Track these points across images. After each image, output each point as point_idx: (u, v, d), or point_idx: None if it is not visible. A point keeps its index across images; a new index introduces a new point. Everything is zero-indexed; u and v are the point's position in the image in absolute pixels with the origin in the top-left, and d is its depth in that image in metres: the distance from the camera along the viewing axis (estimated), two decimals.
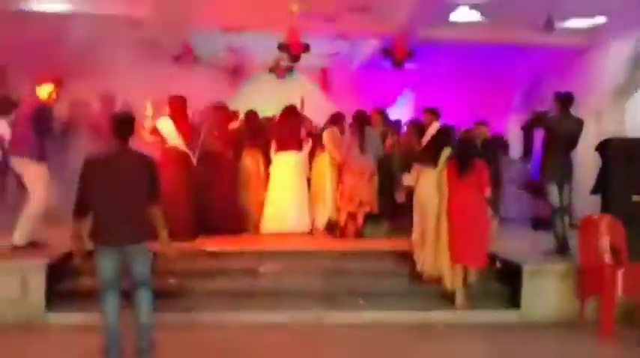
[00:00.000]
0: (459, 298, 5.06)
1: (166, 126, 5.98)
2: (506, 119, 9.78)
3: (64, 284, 4.84)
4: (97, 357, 3.78)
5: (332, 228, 6.53)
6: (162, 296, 4.80)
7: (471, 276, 5.06)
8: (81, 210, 3.76)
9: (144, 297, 3.84)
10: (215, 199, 6.33)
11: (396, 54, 7.99)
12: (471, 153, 5.14)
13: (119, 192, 3.75)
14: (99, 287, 3.80)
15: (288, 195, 6.62)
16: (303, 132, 6.84)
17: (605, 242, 5.00)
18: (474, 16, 7.42)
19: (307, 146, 6.82)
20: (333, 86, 10.37)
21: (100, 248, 3.73)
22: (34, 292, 4.62)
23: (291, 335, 4.56)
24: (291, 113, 6.84)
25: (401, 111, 9.82)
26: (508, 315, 5.07)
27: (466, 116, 7.91)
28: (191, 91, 6.44)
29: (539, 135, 6.35)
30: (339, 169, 6.51)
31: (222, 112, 6.76)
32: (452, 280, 5.06)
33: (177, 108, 6.10)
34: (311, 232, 6.64)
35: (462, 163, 5.03)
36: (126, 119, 3.96)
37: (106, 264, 3.73)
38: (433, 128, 5.92)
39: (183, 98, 6.16)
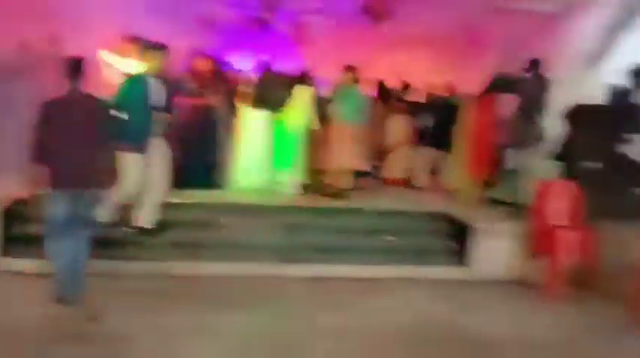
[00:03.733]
0: None
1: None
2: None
3: (18, 230, 4.83)
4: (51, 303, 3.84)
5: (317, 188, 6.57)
6: (121, 246, 4.92)
7: None
8: (38, 153, 3.74)
9: (81, 238, 3.83)
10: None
11: (374, 11, 7.85)
12: None
13: (74, 135, 3.78)
14: (47, 231, 3.82)
15: (257, 152, 6.63)
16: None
17: (557, 205, 5.15)
18: None
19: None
20: (308, 42, 10.16)
21: (54, 192, 3.75)
22: None
23: (243, 285, 4.67)
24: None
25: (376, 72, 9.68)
26: (457, 272, 5.24)
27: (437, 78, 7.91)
28: None
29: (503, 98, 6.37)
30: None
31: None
32: None
33: None
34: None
35: None
36: (77, 61, 3.91)
37: (58, 209, 3.75)
38: None
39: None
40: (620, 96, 5.77)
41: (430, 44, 9.40)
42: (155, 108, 4.79)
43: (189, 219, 5.39)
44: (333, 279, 4.95)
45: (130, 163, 4.59)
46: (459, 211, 5.80)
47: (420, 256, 5.34)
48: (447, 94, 7.54)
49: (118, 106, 4.41)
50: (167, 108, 5.00)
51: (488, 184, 6.42)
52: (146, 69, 4.83)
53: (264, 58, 7.01)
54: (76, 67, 3.88)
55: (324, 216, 5.77)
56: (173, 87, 5.30)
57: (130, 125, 4.49)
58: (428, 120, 7.58)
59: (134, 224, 5.00)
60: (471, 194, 6.53)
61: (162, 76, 4.90)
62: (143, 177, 4.75)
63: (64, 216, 3.76)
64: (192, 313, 4.00)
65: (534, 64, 5.85)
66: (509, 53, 9.15)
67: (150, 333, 3.66)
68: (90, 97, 3.93)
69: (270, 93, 6.67)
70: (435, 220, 5.80)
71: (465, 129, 6.57)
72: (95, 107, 3.94)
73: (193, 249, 5.09)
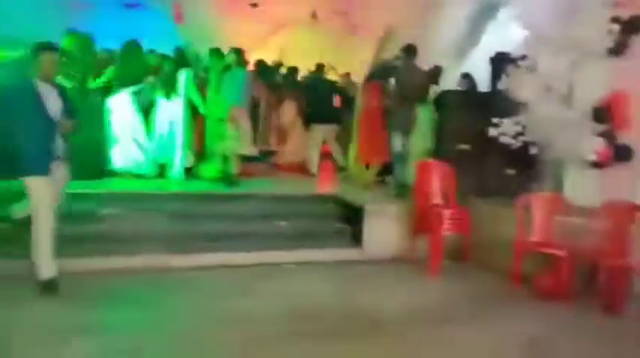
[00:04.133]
0: None
1: None
2: None
3: None
4: None
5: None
6: None
7: None
8: None
9: None
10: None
11: None
12: None
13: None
14: None
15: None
16: None
17: (434, 185, 5.53)
18: None
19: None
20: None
21: None
22: None
23: (135, 279, 4.41)
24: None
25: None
26: (351, 253, 5.43)
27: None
28: None
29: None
30: None
31: None
32: None
33: None
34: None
35: None
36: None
37: None
38: None
39: None
40: (473, 83, 6.36)
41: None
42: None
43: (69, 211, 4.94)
44: (229, 267, 4.87)
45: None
46: (349, 194, 6.00)
47: (315, 239, 5.45)
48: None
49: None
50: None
51: (378, 167, 6.73)
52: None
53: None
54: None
55: (214, 202, 5.64)
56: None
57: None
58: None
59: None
60: (361, 176, 6.82)
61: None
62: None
63: None
64: (78, 311, 3.70)
65: (408, 50, 6.11)
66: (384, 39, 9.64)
67: (32, 333, 3.34)
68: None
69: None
70: (326, 203, 5.94)
71: (357, 113, 6.81)
72: None
73: (74, 244, 4.67)
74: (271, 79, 8.29)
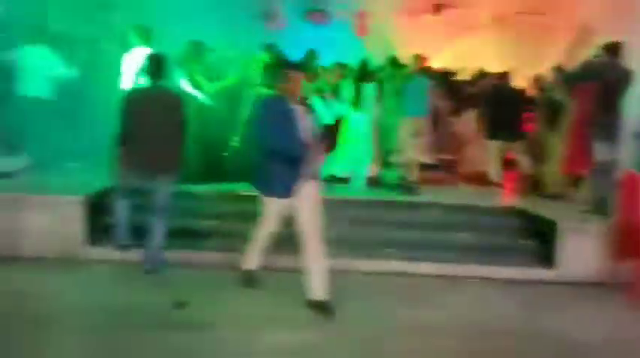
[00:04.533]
0: None
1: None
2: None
3: (101, 220, 4.97)
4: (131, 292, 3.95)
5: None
6: (196, 236, 5.00)
7: None
8: (122, 139, 4.25)
9: (157, 225, 4.34)
10: None
11: None
12: None
13: (152, 126, 4.22)
14: (116, 191, 4.55)
15: None
16: None
17: None
18: None
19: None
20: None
21: (131, 169, 4.30)
22: (72, 226, 4.77)
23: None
24: None
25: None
26: (539, 273, 5.01)
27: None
28: None
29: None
30: None
31: None
32: None
33: None
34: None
35: None
36: (157, 60, 4.29)
37: (129, 180, 4.37)
38: None
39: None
40: None
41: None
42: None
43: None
44: (408, 275, 4.85)
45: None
46: (536, 207, 5.55)
47: (497, 254, 5.15)
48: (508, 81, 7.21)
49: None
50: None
51: (577, 179, 6.10)
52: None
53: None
54: (156, 64, 4.24)
55: (394, 209, 5.66)
56: None
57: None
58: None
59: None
60: (559, 189, 6.22)
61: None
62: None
63: (130, 185, 4.42)
64: (276, 304, 4.01)
65: (612, 49, 5.41)
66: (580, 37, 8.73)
67: (231, 323, 3.70)
68: (167, 92, 4.32)
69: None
70: (510, 216, 5.59)
71: (564, 121, 6.20)
72: (171, 101, 4.28)
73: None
74: (451, 86, 8.09)
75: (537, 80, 7.07)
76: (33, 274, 4.38)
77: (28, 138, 5.72)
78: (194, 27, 6.73)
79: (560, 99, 6.28)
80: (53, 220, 4.73)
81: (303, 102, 4.00)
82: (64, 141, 5.66)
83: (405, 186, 6.25)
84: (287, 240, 4.16)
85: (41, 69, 6.05)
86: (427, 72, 7.04)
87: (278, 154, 3.76)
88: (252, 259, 4.27)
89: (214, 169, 5.92)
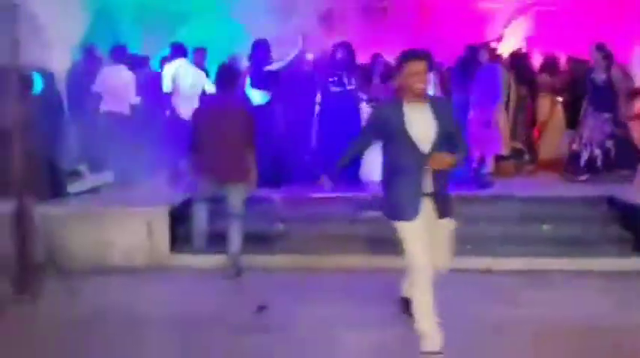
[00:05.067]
0: None
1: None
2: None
3: (183, 229, 5.18)
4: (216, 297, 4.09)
5: None
6: (269, 240, 5.11)
7: None
8: (193, 148, 4.48)
9: (234, 228, 4.43)
10: None
11: None
12: None
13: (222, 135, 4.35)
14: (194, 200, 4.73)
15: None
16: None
17: None
18: None
19: None
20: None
21: (204, 177, 4.51)
22: (158, 236, 5.01)
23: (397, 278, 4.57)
24: None
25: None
26: (634, 263, 4.68)
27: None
28: None
29: None
30: None
31: None
32: None
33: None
34: None
35: None
36: (229, 70, 4.34)
37: (205, 188, 4.57)
38: None
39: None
40: None
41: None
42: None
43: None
44: (489, 272, 4.69)
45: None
46: (630, 194, 5.19)
47: (586, 246, 4.86)
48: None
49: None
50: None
51: None
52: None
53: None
54: (228, 75, 4.26)
55: (470, 203, 5.48)
56: None
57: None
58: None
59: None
60: None
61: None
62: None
63: (208, 195, 4.60)
64: (343, 306, 4.01)
65: None
66: None
67: (310, 324, 3.72)
68: (237, 103, 4.53)
69: None
70: (599, 205, 5.25)
71: None
72: (240, 111, 4.40)
73: (342, 242, 5.10)
74: (523, 71, 7.70)
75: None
76: (121, 283, 4.62)
77: (112, 154, 6.07)
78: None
79: None
80: (140, 231, 4.99)
81: (428, 100, 3.10)
82: (147, 155, 5.95)
83: (478, 179, 6.04)
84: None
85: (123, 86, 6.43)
86: (497, 58, 6.77)
87: (392, 170, 3.13)
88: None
89: (286, 172, 6.03)
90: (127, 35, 7.98)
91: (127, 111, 6.52)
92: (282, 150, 6.14)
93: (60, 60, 6.76)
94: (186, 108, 5.92)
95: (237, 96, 4.58)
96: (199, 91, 6.31)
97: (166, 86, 6.55)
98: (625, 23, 8.33)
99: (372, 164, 6.33)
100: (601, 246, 4.88)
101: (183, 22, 8.54)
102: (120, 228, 5.01)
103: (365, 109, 6.22)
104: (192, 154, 4.50)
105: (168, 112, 6.58)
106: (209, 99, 4.58)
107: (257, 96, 6.04)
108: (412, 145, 3.00)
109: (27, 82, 4.92)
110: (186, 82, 6.39)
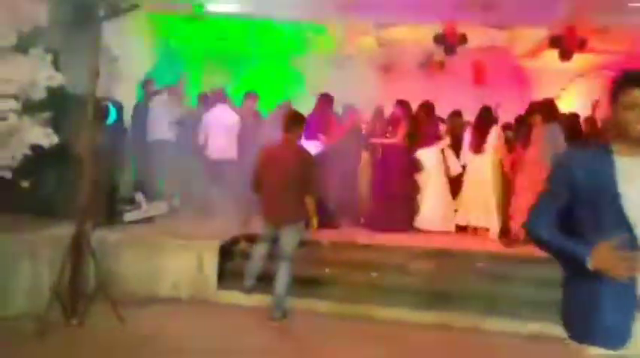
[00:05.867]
0: None
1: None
2: None
3: (232, 266, 5.20)
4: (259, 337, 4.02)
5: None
6: (316, 284, 5.05)
7: None
8: (254, 187, 4.57)
9: (282, 273, 4.39)
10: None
11: (566, 44, 7.29)
12: None
13: (281, 178, 4.39)
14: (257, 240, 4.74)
15: (435, 193, 6.49)
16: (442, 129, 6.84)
17: None
18: None
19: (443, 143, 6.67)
20: (488, 80, 9.78)
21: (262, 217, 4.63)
22: (207, 270, 5.04)
23: (445, 336, 4.43)
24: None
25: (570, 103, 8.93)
26: None
27: None
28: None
29: None
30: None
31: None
32: None
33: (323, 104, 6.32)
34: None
35: None
36: (296, 116, 4.55)
37: (265, 227, 4.64)
38: None
39: (329, 95, 6.34)
40: None
41: None
42: None
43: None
44: (543, 338, 4.46)
45: None
46: None
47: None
48: None
49: None
50: None
51: None
52: None
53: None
54: (294, 121, 4.46)
55: (517, 263, 5.30)
56: None
57: None
58: None
59: None
60: None
61: None
62: None
63: (267, 236, 4.62)
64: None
65: None
66: None
67: None
68: (299, 148, 4.55)
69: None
70: None
71: None
72: (301, 158, 4.47)
73: (386, 293, 4.99)
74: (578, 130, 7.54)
75: None
76: (168, 313, 4.63)
77: (170, 185, 6.21)
78: None
79: None
80: (189, 264, 5.04)
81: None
82: (203, 188, 6.07)
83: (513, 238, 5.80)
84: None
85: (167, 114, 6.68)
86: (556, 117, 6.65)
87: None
88: None
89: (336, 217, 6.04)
90: (190, 76, 8.32)
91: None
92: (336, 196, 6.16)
93: (126, 92, 7.08)
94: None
95: (299, 141, 4.65)
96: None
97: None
98: None
99: (431, 212, 6.38)
100: None
101: (243, 66, 8.88)
102: (171, 259, 5.06)
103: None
104: (254, 193, 4.56)
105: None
106: (273, 143, 4.66)
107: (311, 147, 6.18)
108: (623, 221, 1.80)
109: (103, 112, 5.16)
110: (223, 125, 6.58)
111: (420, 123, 6.62)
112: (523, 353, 4.25)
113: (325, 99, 6.42)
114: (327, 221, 5.90)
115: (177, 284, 5.00)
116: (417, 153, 6.56)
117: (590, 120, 7.27)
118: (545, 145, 5.54)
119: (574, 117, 7.47)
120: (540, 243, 1.96)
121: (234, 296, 4.92)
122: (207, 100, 7.10)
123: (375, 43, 9.02)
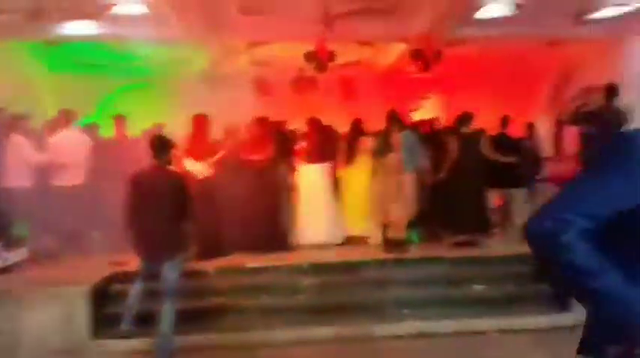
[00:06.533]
0: None
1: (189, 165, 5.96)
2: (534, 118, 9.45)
3: (107, 309, 4.79)
4: None
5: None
6: (203, 315, 4.82)
7: None
8: (128, 222, 4.15)
9: (165, 310, 4.08)
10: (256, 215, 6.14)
11: (425, 56, 7.79)
12: None
13: (156, 207, 4.08)
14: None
15: (319, 207, 6.56)
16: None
17: None
18: (503, 10, 7.12)
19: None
20: (356, 94, 10.17)
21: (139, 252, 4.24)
22: (77, 318, 4.58)
23: (340, 348, 4.44)
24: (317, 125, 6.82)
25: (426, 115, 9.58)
26: (561, 318, 4.82)
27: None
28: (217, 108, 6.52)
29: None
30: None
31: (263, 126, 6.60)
32: None
33: (199, 125, 6.10)
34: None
35: None
36: (162, 141, 4.18)
37: (142, 266, 4.31)
38: None
39: (204, 116, 6.16)
40: None
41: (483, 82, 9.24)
42: None
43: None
44: (431, 335, 4.67)
45: None
46: None
47: (519, 304, 5.00)
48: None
49: None
50: None
51: None
52: None
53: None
54: (161, 146, 4.19)
55: (400, 267, 5.53)
56: None
57: None
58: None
59: None
60: None
61: None
62: None
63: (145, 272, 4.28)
64: None
65: (609, 91, 5.50)
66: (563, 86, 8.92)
67: None
68: (169, 173, 4.25)
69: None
70: (517, 263, 5.43)
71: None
72: (172, 183, 4.17)
73: (277, 315, 4.92)
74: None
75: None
76: None
77: (29, 229, 5.58)
78: None
79: None
80: (55, 314, 4.55)
81: None
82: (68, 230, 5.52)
83: (393, 243, 6.10)
84: None
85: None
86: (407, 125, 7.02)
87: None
88: None
89: (220, 244, 5.83)
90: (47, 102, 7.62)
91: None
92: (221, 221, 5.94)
93: None
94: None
95: (169, 166, 4.34)
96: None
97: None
98: None
99: (312, 226, 6.41)
100: (533, 303, 5.03)
101: (109, 89, 8.39)
102: (34, 310, 4.53)
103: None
104: (128, 226, 4.18)
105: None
106: (141, 170, 4.29)
107: (196, 169, 5.94)
108: None
109: None
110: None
111: (289, 141, 6.69)
112: (410, 352, 4.38)
113: (201, 120, 6.18)
114: (214, 251, 5.71)
115: (43, 339, 4.48)
116: (298, 169, 6.61)
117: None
118: (403, 151, 5.94)
119: (430, 122, 7.99)
120: (560, 257, 1.22)
121: (111, 344, 4.52)
122: (51, 124, 6.52)
123: (249, 61, 9.01)
